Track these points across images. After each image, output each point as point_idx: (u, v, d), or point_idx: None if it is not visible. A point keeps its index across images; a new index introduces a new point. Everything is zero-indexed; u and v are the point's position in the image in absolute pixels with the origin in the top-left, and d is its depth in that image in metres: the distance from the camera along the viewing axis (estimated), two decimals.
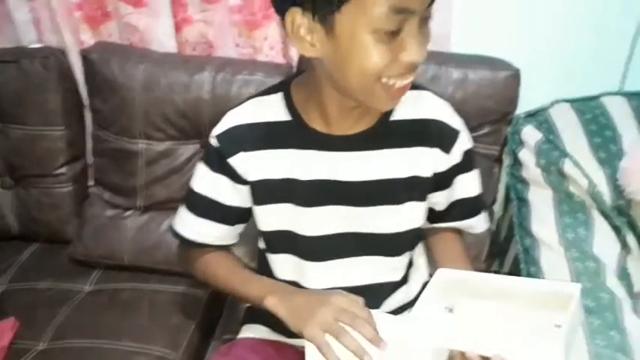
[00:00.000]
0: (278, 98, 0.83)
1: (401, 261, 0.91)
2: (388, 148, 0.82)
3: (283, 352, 0.93)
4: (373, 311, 0.78)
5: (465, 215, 0.92)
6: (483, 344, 0.69)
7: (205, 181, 0.88)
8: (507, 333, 0.70)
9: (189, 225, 0.92)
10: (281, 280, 0.91)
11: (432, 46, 1.16)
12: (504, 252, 1.13)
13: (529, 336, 0.68)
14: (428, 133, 0.83)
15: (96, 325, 1.16)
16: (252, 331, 1.00)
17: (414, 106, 0.83)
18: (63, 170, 1.35)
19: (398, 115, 0.82)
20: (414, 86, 0.84)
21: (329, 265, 0.88)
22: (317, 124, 0.81)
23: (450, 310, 0.75)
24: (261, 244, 0.97)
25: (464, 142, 0.86)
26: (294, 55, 1.24)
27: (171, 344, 1.13)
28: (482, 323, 0.72)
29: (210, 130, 1.21)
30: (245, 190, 0.86)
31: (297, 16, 0.68)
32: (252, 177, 0.85)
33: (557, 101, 1.16)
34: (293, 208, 0.85)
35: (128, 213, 1.31)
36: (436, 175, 0.85)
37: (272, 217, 0.87)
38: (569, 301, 0.68)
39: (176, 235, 0.95)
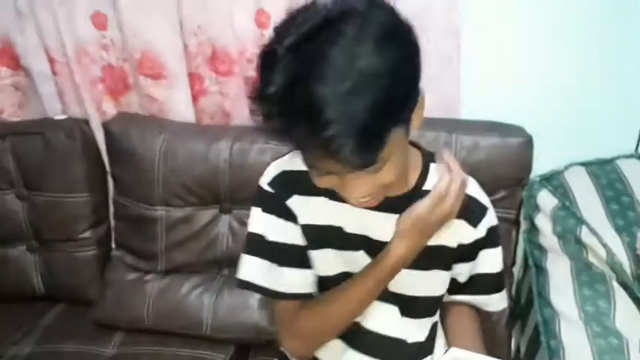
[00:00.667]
0: None
1: (422, 323, 0.93)
2: None
3: None
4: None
5: (484, 290, 0.93)
6: None
7: (273, 230, 0.85)
8: None
9: (281, 278, 0.86)
10: None
11: (441, 113, 1.21)
12: (525, 315, 1.12)
13: None
14: None
15: None
16: None
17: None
18: (87, 234, 1.39)
19: (430, 185, 0.83)
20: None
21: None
22: None
23: None
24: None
25: (491, 218, 0.88)
26: None
27: None
28: None
29: (228, 197, 1.27)
30: (298, 231, 0.86)
31: None
32: (302, 220, 0.85)
33: (571, 165, 1.15)
34: (340, 252, 0.86)
35: (149, 277, 1.33)
36: (460, 247, 0.87)
37: (325, 261, 0.87)
38: None
39: (270, 293, 0.87)
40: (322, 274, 0.89)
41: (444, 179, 0.77)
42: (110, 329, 1.34)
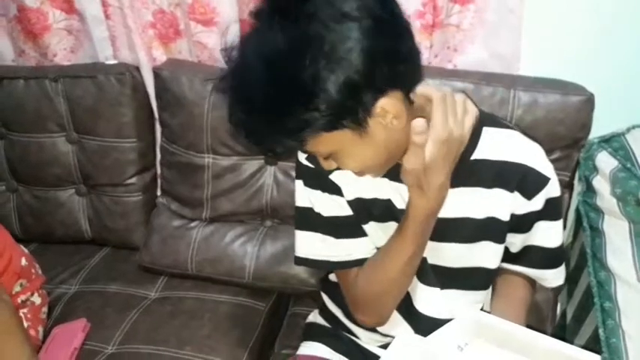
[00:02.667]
0: None
1: (480, 296, 0.90)
2: (466, 187, 0.80)
3: None
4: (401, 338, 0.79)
5: (540, 264, 0.87)
6: None
7: (321, 204, 0.85)
8: None
9: (340, 248, 0.86)
10: None
11: (499, 68, 1.17)
12: (575, 281, 1.09)
13: None
14: (511, 177, 0.80)
15: (161, 332, 1.21)
16: (311, 349, 1.01)
17: (500, 147, 0.80)
18: (133, 180, 1.41)
19: (480, 154, 0.79)
20: (503, 125, 0.83)
21: (414, 290, 0.89)
22: None
23: (461, 349, 0.75)
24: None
25: (551, 190, 0.82)
26: None
27: (232, 356, 1.16)
28: None
29: None
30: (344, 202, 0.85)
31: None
32: (347, 195, 0.84)
33: (634, 126, 1.10)
34: (384, 225, 0.85)
35: (194, 224, 1.35)
36: (513, 217, 0.82)
37: (372, 234, 0.86)
38: None
39: (336, 265, 0.87)
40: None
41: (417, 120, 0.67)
42: (154, 273, 1.38)
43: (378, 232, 0.86)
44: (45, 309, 1.27)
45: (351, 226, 0.85)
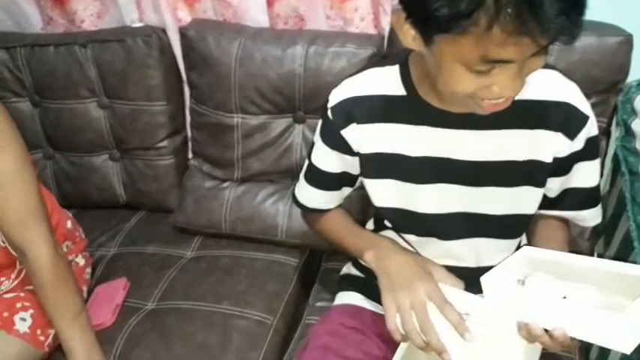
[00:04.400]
0: (395, 71, 0.81)
1: (509, 245, 0.89)
2: (507, 129, 0.78)
3: (379, 319, 0.95)
4: (448, 288, 0.79)
5: (579, 206, 0.87)
6: (548, 318, 0.67)
7: (316, 153, 0.92)
8: (576, 311, 0.68)
9: (304, 192, 0.98)
10: None
11: None
12: (612, 229, 1.07)
13: (597, 317, 0.65)
14: (553, 117, 0.78)
15: (198, 288, 1.24)
16: (348, 299, 1.03)
17: (541, 87, 0.77)
18: (164, 143, 1.43)
19: (521, 94, 0.76)
20: None
21: (439, 243, 0.88)
22: (433, 100, 0.79)
23: (522, 283, 0.74)
24: (370, 226, 0.99)
25: (591, 128, 0.80)
26: (385, 25, 1.22)
27: (268, 309, 1.19)
28: (551, 299, 0.70)
29: (302, 103, 1.26)
30: (355, 160, 0.88)
31: (403, 16, 0.65)
32: (363, 149, 0.85)
33: None
34: (402, 184, 0.85)
35: (226, 184, 1.37)
36: (556, 160, 0.81)
37: (382, 192, 0.87)
38: None
39: (294, 200, 1.01)
40: (380, 204, 0.89)
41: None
42: (189, 234, 1.40)
43: (379, 191, 0.87)
44: (89, 270, 1.31)
45: (330, 180, 0.93)
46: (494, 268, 0.76)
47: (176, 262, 1.33)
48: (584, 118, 0.79)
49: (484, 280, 0.74)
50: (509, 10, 0.53)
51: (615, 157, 1.09)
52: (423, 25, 0.61)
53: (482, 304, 0.77)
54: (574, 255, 0.76)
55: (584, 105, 0.79)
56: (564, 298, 0.71)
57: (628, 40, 1.06)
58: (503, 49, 0.57)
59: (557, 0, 0.53)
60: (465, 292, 0.81)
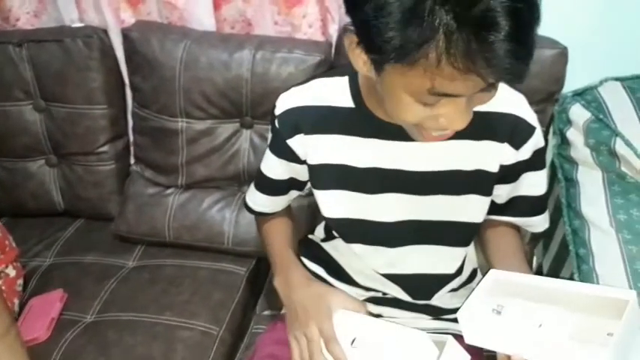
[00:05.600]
0: (344, 82, 0.81)
1: (458, 252, 0.91)
2: (453, 140, 0.77)
3: None
4: (350, 314, 0.83)
5: (527, 213, 0.89)
6: (530, 349, 0.67)
7: (266, 162, 0.92)
8: (557, 339, 0.68)
9: (252, 196, 1.00)
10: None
11: None
12: (550, 234, 1.11)
13: (579, 343, 0.66)
14: (500, 128, 0.79)
15: (140, 299, 1.20)
16: None
17: None
18: (105, 148, 1.37)
19: None
20: None
21: (388, 251, 0.89)
22: (381, 113, 0.79)
23: (499, 312, 0.74)
24: (320, 233, 1.00)
25: (538, 140, 0.82)
26: (333, 33, 1.23)
27: (214, 319, 1.16)
28: (530, 327, 0.71)
29: (250, 109, 1.24)
30: (303, 168, 0.88)
31: (355, 40, 0.64)
32: (310, 160, 0.85)
33: (606, 79, 1.12)
34: (353, 195, 0.85)
35: (169, 191, 1.33)
36: (502, 168, 0.82)
37: (331, 202, 0.87)
38: (623, 309, 0.64)
39: (244, 204, 1.03)
40: (329, 215, 0.89)
41: None
42: (130, 243, 1.36)
43: (329, 201, 0.87)
44: (20, 281, 1.25)
45: (275, 186, 0.94)
46: (468, 299, 0.75)
47: (117, 272, 1.28)
48: (531, 130, 0.81)
49: (460, 314, 0.73)
50: (459, 48, 0.53)
51: (552, 164, 1.14)
52: (374, 52, 0.60)
53: (377, 326, 0.80)
54: (541, 278, 0.78)
55: (530, 117, 0.81)
56: (540, 326, 0.71)
57: (563, 53, 1.11)
58: (452, 83, 0.57)
59: (507, 42, 0.53)
60: (366, 316, 0.85)
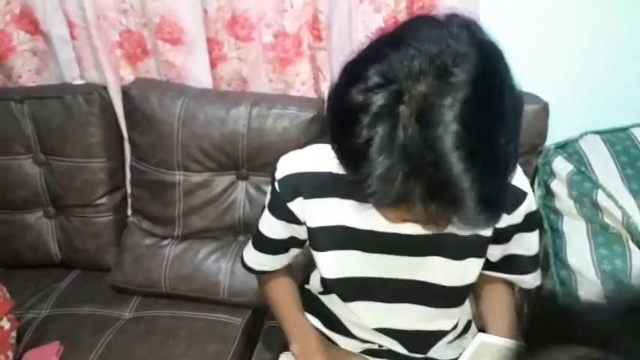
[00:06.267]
0: None
1: (455, 311, 0.94)
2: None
3: None
4: None
5: (519, 270, 0.93)
6: None
7: (265, 223, 0.94)
8: None
9: (251, 256, 1.00)
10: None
11: None
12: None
13: None
14: None
15: (137, 351, 1.20)
16: (291, 358, 1.03)
17: None
18: (103, 200, 1.40)
19: None
20: None
21: (385, 307, 0.91)
22: None
23: None
24: (317, 286, 1.01)
25: (529, 204, 0.85)
26: (325, 90, 1.28)
27: None
28: None
29: (246, 162, 1.28)
30: (303, 229, 0.90)
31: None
32: (310, 223, 0.87)
33: (586, 133, 1.17)
34: (352, 253, 0.87)
35: (166, 242, 1.35)
36: (495, 230, 0.85)
37: (332, 263, 0.89)
38: None
39: (243, 264, 1.03)
40: (328, 276, 0.90)
41: None
42: (127, 293, 1.36)
43: (330, 262, 0.89)
44: (14, 334, 1.24)
45: (276, 246, 0.95)
46: None
47: (113, 323, 1.29)
48: (522, 195, 0.84)
49: None
50: (433, 207, 0.56)
51: (538, 215, 1.18)
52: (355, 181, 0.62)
53: None
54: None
55: (522, 182, 0.85)
56: None
57: (545, 108, 1.17)
58: (422, 214, 0.59)
59: (479, 202, 0.55)
60: None
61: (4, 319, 1.22)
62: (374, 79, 0.56)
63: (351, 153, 0.58)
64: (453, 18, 0.60)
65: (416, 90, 0.54)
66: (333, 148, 0.63)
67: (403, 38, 0.58)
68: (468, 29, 0.59)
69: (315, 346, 0.95)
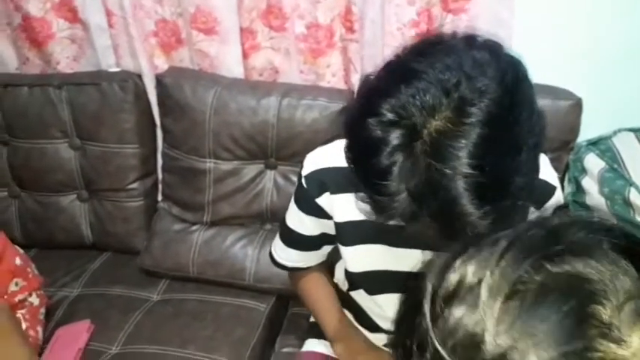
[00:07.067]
0: None
1: None
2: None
3: None
4: None
5: None
6: None
7: (294, 218, 0.94)
8: None
9: (282, 253, 1.00)
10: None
11: None
12: None
13: None
14: None
15: (164, 332, 1.23)
16: (316, 347, 1.05)
17: None
18: (135, 185, 1.43)
19: None
20: None
21: None
22: None
23: None
24: (342, 281, 1.02)
25: (558, 198, 0.85)
26: (355, 82, 1.29)
27: (235, 355, 1.19)
28: None
29: (274, 151, 1.30)
30: (331, 223, 0.90)
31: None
32: (336, 217, 0.88)
33: (620, 130, 1.15)
34: (378, 247, 0.87)
35: (195, 227, 1.38)
36: None
37: (359, 257, 0.90)
38: None
39: (272, 261, 1.02)
40: (354, 270, 0.91)
41: None
42: (155, 277, 1.40)
43: (358, 256, 0.90)
44: (43, 310, 1.27)
45: (307, 242, 0.95)
46: None
47: (142, 305, 1.32)
48: (552, 189, 0.84)
49: None
50: (438, 220, 0.58)
51: None
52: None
53: None
54: None
55: (552, 177, 0.85)
56: None
57: (578, 104, 1.16)
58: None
59: (478, 211, 0.56)
60: None
61: (34, 294, 1.26)
62: (388, 115, 0.56)
63: (371, 176, 0.59)
64: (472, 41, 0.60)
65: (431, 125, 0.55)
66: (350, 168, 0.65)
67: (416, 69, 0.57)
68: (490, 52, 0.58)
69: (359, 348, 0.96)
